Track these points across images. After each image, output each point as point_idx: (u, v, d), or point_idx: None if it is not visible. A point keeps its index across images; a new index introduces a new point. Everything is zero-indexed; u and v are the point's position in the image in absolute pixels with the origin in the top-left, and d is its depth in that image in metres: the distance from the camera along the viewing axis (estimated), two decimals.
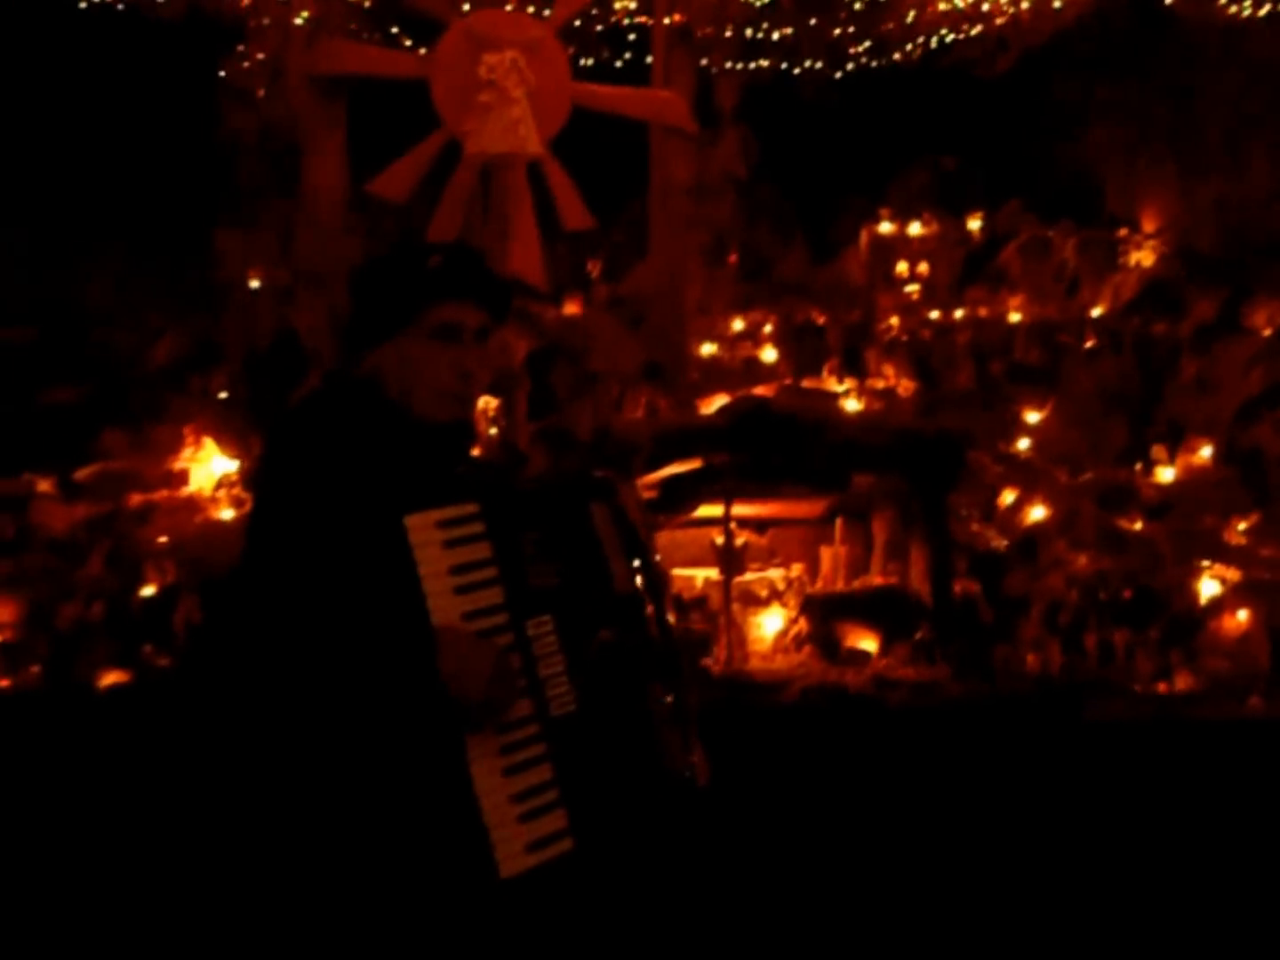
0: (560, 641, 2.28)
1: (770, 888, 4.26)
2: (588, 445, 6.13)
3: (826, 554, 6.71)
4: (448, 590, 2.20)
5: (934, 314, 10.80)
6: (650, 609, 2.42)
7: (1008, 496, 7.78)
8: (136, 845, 4.33)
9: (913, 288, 11.58)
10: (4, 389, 8.39)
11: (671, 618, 2.64)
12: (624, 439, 6.14)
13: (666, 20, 8.41)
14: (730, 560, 6.10)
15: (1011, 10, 8.76)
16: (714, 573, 6.25)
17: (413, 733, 2.22)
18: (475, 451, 2.63)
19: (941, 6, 8.75)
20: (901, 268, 11.82)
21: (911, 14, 9.83)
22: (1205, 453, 8.54)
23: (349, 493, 2.24)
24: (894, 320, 10.59)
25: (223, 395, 8.20)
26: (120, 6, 10.01)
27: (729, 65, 8.68)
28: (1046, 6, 8.56)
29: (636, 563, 2.43)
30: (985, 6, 8.82)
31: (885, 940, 4.17)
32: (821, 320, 10.47)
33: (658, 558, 2.55)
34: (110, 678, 5.55)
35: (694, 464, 6.21)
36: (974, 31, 9.95)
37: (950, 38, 10.86)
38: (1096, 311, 10.53)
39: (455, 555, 2.22)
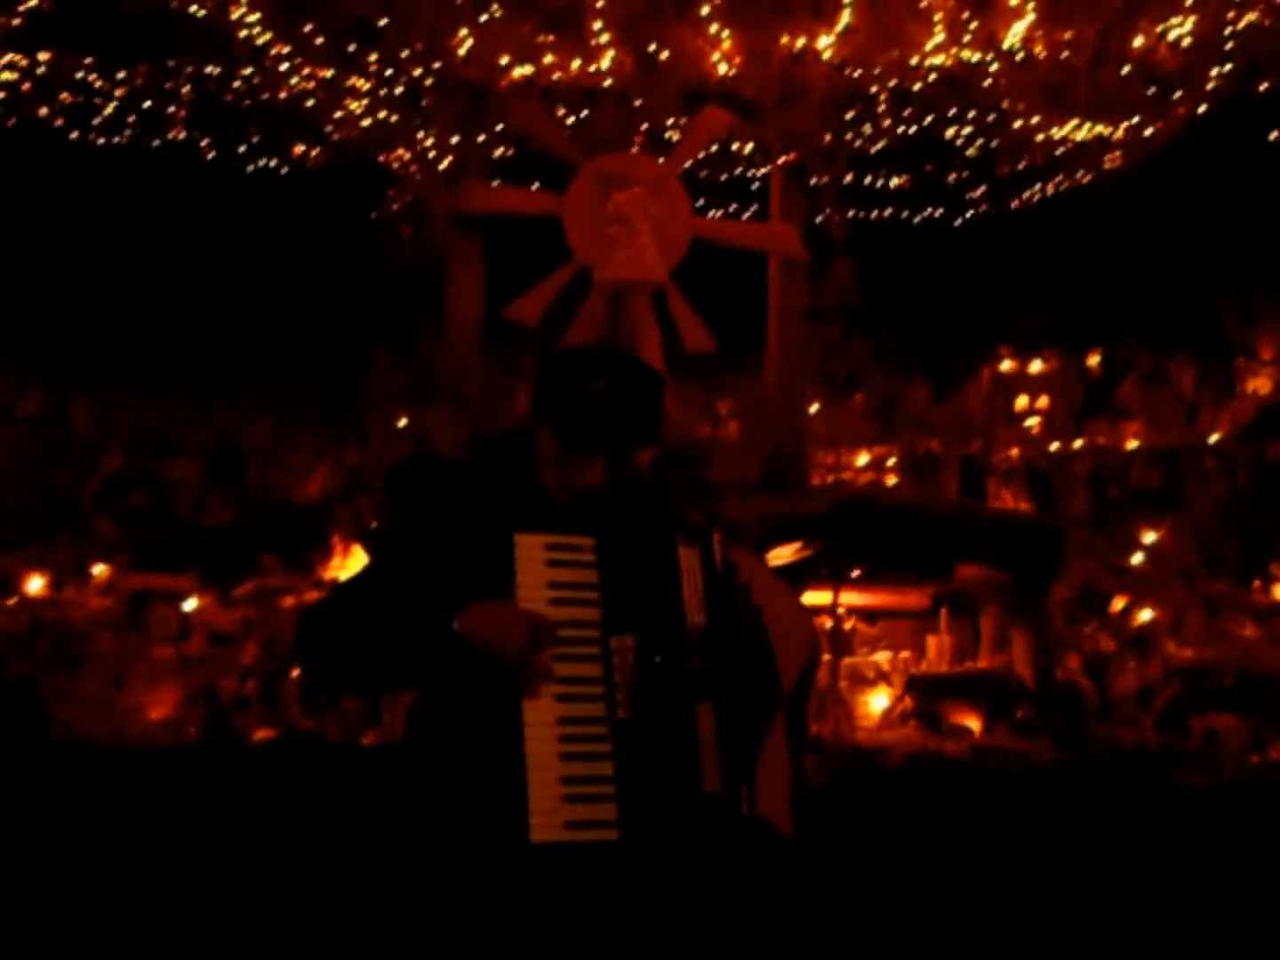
0: (634, 658, 2.61)
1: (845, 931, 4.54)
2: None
3: (933, 642, 6.98)
4: (542, 600, 2.58)
5: (1053, 445, 11.06)
6: (725, 642, 2.69)
7: (1119, 603, 8.00)
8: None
9: (1033, 421, 11.87)
10: (171, 515, 9.12)
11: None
12: (731, 522, 6.52)
13: (781, 160, 9.00)
14: (839, 642, 6.43)
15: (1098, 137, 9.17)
16: (824, 657, 6.56)
17: (483, 711, 2.61)
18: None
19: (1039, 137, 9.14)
20: (1021, 402, 12.13)
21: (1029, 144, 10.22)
22: None
23: (481, 515, 2.68)
24: (1014, 451, 10.85)
25: (374, 525, 8.68)
26: (284, 171, 10.94)
27: (840, 192, 9.12)
28: (1136, 134, 8.98)
29: (716, 600, 2.71)
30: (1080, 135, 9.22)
31: None
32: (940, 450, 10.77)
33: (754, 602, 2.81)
34: (261, 734, 6.06)
35: (800, 554, 6.56)
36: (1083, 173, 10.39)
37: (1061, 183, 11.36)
38: (1214, 438, 10.67)
39: (557, 574, 2.60)
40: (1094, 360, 12.47)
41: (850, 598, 6.76)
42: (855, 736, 6.12)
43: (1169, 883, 5.06)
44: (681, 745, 2.61)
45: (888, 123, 9.45)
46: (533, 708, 2.53)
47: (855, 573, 6.52)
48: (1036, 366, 12.33)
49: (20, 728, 6.07)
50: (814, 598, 6.68)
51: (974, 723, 6.31)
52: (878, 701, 6.49)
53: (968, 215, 12.67)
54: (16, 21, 8.48)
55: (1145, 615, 7.71)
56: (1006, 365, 12.37)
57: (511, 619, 2.54)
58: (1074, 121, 8.94)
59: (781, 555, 6.64)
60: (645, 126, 8.76)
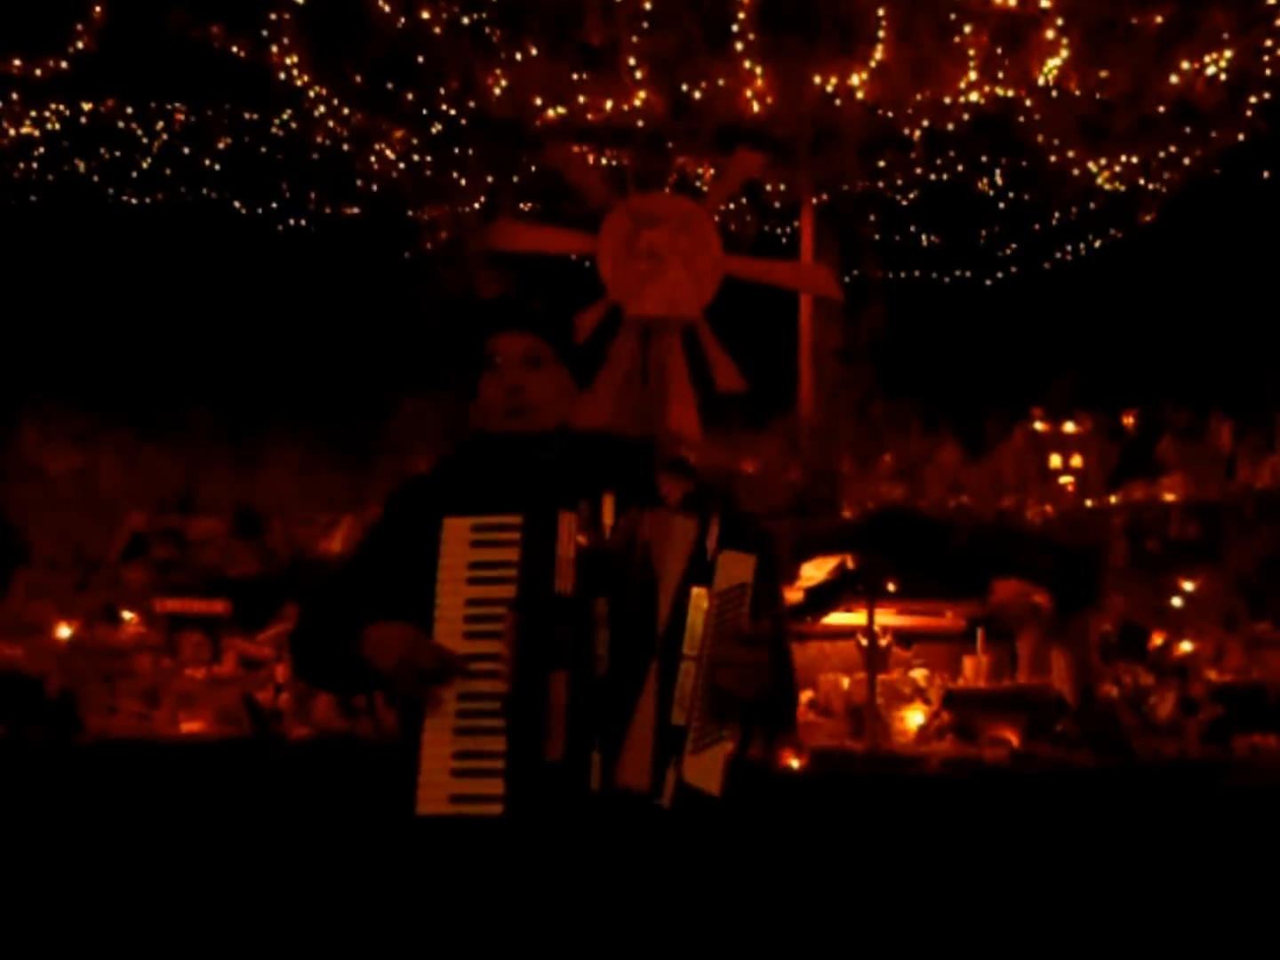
0: (515, 632, 2.72)
1: None
2: None
3: (969, 662, 6.86)
4: (461, 579, 2.78)
5: (1088, 503, 10.95)
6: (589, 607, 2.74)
7: (1158, 639, 7.86)
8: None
9: (1067, 479, 11.75)
10: (197, 568, 9.14)
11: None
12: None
13: (814, 201, 9.04)
14: (874, 658, 6.32)
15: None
16: (860, 675, 6.46)
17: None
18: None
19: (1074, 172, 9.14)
20: (1055, 461, 12.02)
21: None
22: None
23: (436, 510, 2.86)
24: (1048, 508, 10.73)
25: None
26: (312, 230, 11.06)
27: (872, 232, 9.16)
28: (1172, 165, 8.98)
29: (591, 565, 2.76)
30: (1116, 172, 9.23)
31: None
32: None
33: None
34: (299, 731, 6.26)
35: (833, 573, 6.49)
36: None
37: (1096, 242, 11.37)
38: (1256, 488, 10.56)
39: (480, 554, 2.78)
40: (1129, 420, 12.39)
41: (884, 618, 6.65)
42: (891, 749, 6.00)
43: (1219, 886, 4.94)
44: (535, 716, 2.68)
45: (920, 170, 9.49)
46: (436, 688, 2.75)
47: (890, 586, 6.44)
48: (1070, 428, 12.26)
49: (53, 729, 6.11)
50: (851, 620, 6.61)
51: (1012, 736, 6.17)
52: (914, 718, 6.36)
53: (999, 275, 12.71)
54: (64, 65, 8.61)
55: (1186, 646, 7.59)
56: (1040, 426, 12.30)
57: (393, 642, 2.76)
58: (1106, 160, 8.94)
59: (814, 575, 6.57)
60: (678, 165, 8.81)
